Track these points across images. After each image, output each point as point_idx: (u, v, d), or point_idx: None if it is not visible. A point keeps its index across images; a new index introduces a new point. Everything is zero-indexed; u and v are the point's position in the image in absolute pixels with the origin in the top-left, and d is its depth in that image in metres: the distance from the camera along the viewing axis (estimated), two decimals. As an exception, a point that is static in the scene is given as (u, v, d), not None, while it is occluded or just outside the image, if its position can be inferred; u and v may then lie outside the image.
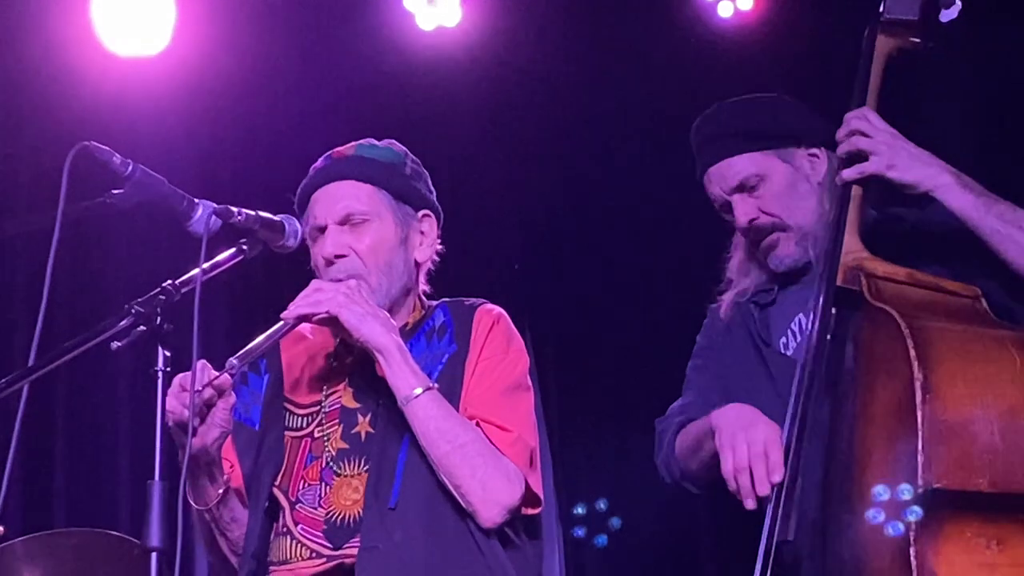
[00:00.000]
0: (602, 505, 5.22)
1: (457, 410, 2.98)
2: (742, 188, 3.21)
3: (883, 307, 2.71)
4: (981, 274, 2.92)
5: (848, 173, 2.99)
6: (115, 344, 2.57)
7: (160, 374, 2.56)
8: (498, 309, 3.13)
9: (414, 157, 3.20)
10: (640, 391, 4.98)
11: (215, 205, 2.78)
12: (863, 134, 2.99)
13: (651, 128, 5.00)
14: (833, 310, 2.85)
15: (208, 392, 2.82)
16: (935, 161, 2.98)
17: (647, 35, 5.02)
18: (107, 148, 2.66)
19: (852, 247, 2.91)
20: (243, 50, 5.16)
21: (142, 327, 2.58)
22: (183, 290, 2.65)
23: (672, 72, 4.94)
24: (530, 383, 3.11)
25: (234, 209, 2.83)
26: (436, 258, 3.18)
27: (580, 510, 5.26)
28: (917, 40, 3.08)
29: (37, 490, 4.94)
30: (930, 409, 2.51)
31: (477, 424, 2.96)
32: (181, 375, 2.78)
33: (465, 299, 3.16)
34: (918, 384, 2.53)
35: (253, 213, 2.87)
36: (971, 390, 2.55)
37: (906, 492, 2.48)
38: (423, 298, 3.17)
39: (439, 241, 3.18)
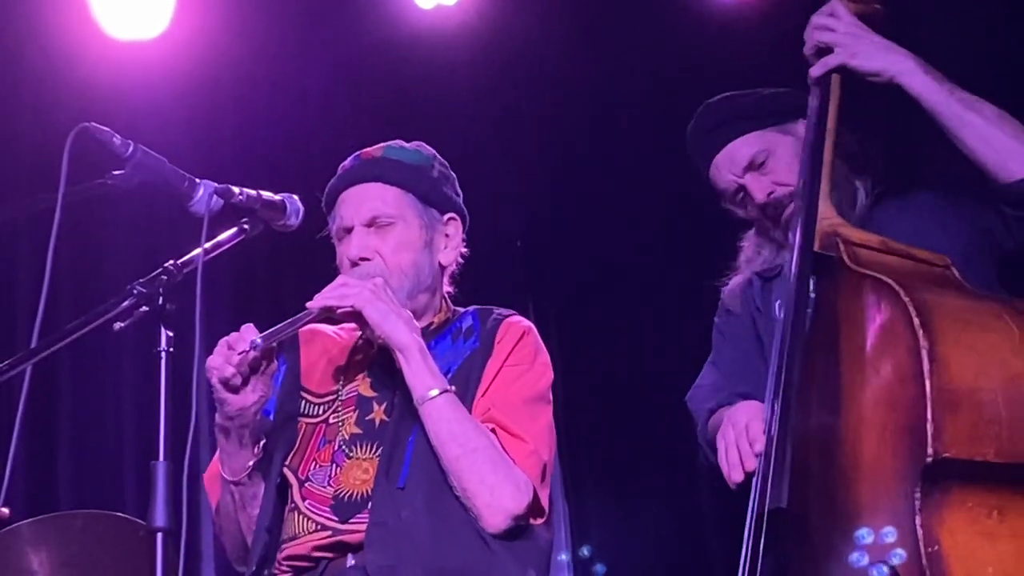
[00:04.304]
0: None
1: (471, 404, 3.01)
2: (752, 167, 3.21)
3: (874, 275, 2.69)
4: None
5: (814, 69, 3.02)
6: (118, 325, 2.58)
7: (163, 354, 2.57)
8: (528, 322, 3.18)
9: (442, 160, 3.23)
10: (645, 370, 4.99)
11: (216, 185, 2.79)
12: (827, 28, 3.02)
13: (654, 105, 4.99)
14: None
15: (253, 355, 2.89)
16: (899, 49, 3.00)
17: (649, 13, 5.00)
18: (107, 129, 2.66)
19: (826, 213, 2.89)
20: (241, 31, 5.15)
21: (145, 308, 2.59)
22: (185, 270, 2.66)
23: (675, 50, 4.92)
24: (551, 398, 3.13)
25: (235, 189, 2.83)
26: (461, 260, 3.22)
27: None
28: (879, 6, 3.07)
29: (41, 472, 4.94)
30: (938, 378, 2.49)
31: (493, 430, 2.99)
32: (229, 336, 2.90)
33: (495, 308, 3.20)
34: (924, 352, 2.50)
35: (254, 192, 2.87)
36: (975, 359, 2.53)
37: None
38: (448, 300, 3.21)
39: (464, 244, 3.20)
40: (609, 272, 5.19)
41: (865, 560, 2.53)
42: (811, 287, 2.85)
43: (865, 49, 3.00)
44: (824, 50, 3.02)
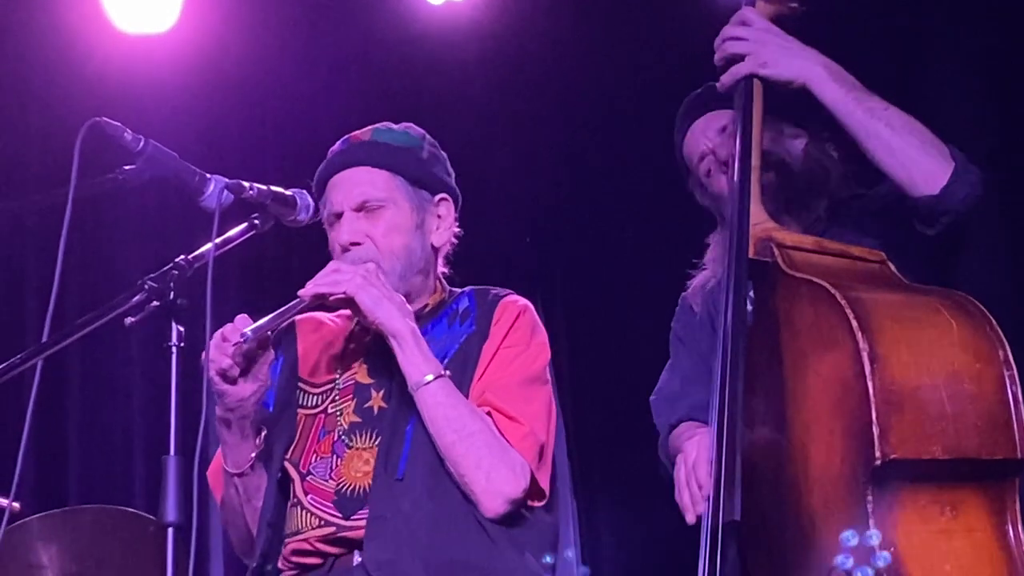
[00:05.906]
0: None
1: (468, 388, 3.00)
2: (724, 131, 3.16)
3: (809, 278, 2.63)
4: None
5: (724, 78, 2.96)
6: (129, 320, 2.59)
7: (174, 349, 2.57)
8: (524, 300, 3.15)
9: (432, 140, 3.21)
10: (653, 363, 4.97)
11: (227, 180, 2.79)
12: (736, 38, 2.96)
13: (665, 101, 4.98)
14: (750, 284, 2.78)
15: (248, 345, 2.87)
16: (808, 53, 2.94)
17: (657, 10, 5.00)
18: (118, 124, 2.66)
19: (758, 217, 2.83)
20: (251, 25, 5.15)
21: (155, 302, 2.59)
22: (196, 265, 2.66)
23: (683, 44, 4.91)
24: (548, 377, 3.11)
25: (246, 184, 2.83)
26: (454, 241, 3.19)
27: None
28: (795, 5, 3.03)
29: (52, 467, 4.95)
30: (880, 379, 2.44)
31: (489, 413, 2.97)
32: (223, 327, 2.86)
33: (492, 288, 3.18)
34: (865, 354, 2.45)
35: (265, 187, 2.87)
36: (916, 357, 2.48)
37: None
38: (443, 281, 3.19)
39: (457, 224, 3.19)
40: (617, 266, 5.19)
41: (826, 568, 2.49)
42: (750, 294, 2.79)
43: (774, 57, 2.93)
44: (735, 59, 2.96)
